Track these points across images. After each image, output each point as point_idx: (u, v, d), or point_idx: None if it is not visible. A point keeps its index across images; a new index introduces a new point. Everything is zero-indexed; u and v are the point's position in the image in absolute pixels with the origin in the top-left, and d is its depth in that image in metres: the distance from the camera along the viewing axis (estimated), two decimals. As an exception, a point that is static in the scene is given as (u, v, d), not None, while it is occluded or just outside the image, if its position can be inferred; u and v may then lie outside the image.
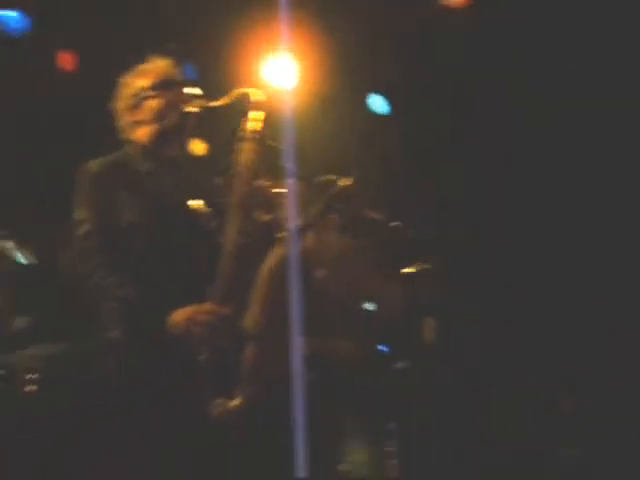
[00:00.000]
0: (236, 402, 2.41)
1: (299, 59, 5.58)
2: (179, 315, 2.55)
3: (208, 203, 2.78)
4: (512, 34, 5.31)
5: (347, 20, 5.45)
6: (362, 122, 5.86)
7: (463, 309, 4.86)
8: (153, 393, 2.54)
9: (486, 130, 5.44)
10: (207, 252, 2.64)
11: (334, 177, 3.30)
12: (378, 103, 6.18)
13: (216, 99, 2.80)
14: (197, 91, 2.85)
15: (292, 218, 2.63)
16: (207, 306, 2.56)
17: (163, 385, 2.53)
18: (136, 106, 2.86)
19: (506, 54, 5.39)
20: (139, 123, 2.87)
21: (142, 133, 2.87)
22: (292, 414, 2.29)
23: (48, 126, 5.27)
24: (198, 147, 3.13)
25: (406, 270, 3.44)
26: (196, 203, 2.77)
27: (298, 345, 2.27)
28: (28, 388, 3.82)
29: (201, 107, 2.81)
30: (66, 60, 6.13)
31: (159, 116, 2.84)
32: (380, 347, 4.51)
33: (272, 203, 2.67)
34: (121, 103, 2.90)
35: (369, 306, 4.33)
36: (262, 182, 2.67)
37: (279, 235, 2.61)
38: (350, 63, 5.66)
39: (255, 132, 2.68)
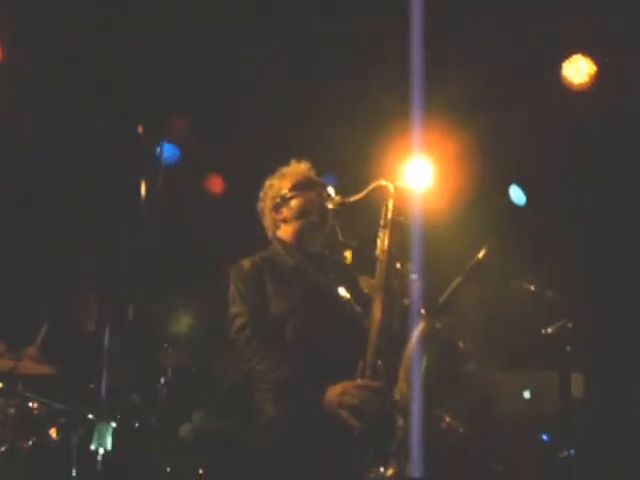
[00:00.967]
0: (390, 472, 2.47)
1: (435, 161, 5.78)
2: (333, 392, 2.67)
3: (353, 291, 2.93)
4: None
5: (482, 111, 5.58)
6: (503, 213, 5.93)
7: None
8: (312, 469, 2.66)
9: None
10: (354, 335, 2.78)
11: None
12: (517, 194, 6.25)
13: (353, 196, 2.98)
14: (332, 191, 3.07)
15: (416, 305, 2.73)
16: (359, 382, 2.67)
17: (321, 460, 2.65)
18: (280, 205, 3.10)
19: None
20: (283, 221, 3.11)
21: (286, 230, 3.10)
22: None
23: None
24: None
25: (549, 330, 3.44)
26: (342, 291, 2.91)
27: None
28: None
29: (340, 203, 3.01)
30: (215, 184, 6.62)
31: (301, 214, 3.07)
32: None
33: (409, 286, 2.78)
34: (266, 203, 3.16)
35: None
36: (400, 267, 2.80)
37: (423, 312, 2.70)
38: (489, 157, 5.78)
39: (394, 220, 2.84)
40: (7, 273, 5.41)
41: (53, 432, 4.31)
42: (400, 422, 2.51)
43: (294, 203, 3.08)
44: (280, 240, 3.10)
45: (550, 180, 5.90)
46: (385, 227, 2.83)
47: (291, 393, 2.74)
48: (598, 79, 5.56)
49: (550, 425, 4.81)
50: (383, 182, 2.89)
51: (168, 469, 4.38)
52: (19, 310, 5.11)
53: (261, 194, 3.19)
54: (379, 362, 2.64)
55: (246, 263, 3.01)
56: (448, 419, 3.49)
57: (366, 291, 2.88)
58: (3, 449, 4.15)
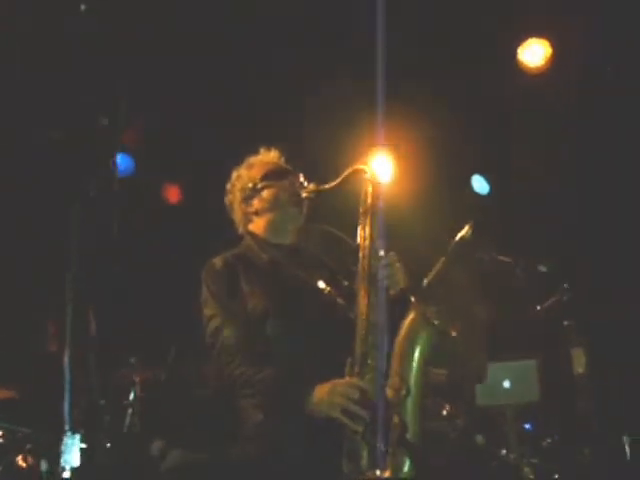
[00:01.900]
0: (386, 475, 2.30)
1: (397, 153, 5.67)
2: (322, 390, 2.50)
3: (333, 282, 2.76)
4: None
5: (442, 106, 5.50)
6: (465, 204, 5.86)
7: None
8: (303, 474, 2.48)
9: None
10: (340, 329, 2.60)
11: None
12: (480, 184, 6.19)
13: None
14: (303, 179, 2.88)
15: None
16: (348, 379, 2.49)
17: (313, 464, 2.47)
18: (251, 197, 2.89)
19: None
20: (255, 213, 2.90)
21: (259, 223, 2.90)
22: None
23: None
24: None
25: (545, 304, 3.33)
26: (321, 284, 2.74)
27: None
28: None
29: (315, 191, 2.81)
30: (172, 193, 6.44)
31: (275, 205, 2.86)
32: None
33: (395, 273, 2.62)
34: (235, 195, 2.94)
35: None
36: (384, 254, 2.63)
37: (412, 299, 2.53)
38: (450, 148, 5.70)
39: (374, 206, 2.66)
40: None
41: (20, 460, 4.07)
42: (395, 420, 2.33)
43: (266, 194, 2.87)
44: (252, 234, 2.90)
45: (513, 168, 5.85)
46: (366, 213, 2.65)
47: (277, 394, 2.54)
48: (555, 61, 5.51)
49: (532, 414, 4.72)
50: (360, 166, 2.71)
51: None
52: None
53: (228, 186, 2.96)
54: (368, 358, 2.46)
55: (217, 261, 2.80)
56: (448, 407, 3.33)
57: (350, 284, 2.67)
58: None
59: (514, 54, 5.60)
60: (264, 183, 2.88)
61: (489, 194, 6.20)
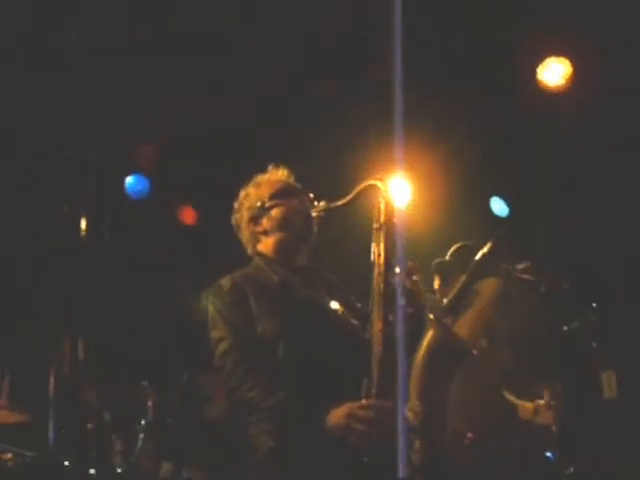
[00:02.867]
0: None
1: (415, 177, 5.60)
2: (337, 414, 2.39)
3: (346, 303, 2.67)
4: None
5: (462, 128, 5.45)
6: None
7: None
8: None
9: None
10: (355, 350, 2.51)
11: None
12: (499, 205, 6.10)
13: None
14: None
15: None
16: (366, 402, 2.39)
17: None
18: (259, 216, 2.81)
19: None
20: (264, 233, 2.81)
21: (268, 243, 2.81)
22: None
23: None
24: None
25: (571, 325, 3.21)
26: (334, 305, 2.65)
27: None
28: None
29: (326, 210, 2.73)
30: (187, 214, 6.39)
31: (284, 224, 2.78)
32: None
33: (410, 291, 2.52)
34: (243, 215, 2.85)
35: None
36: (399, 272, 2.54)
37: (430, 318, 2.43)
38: (468, 170, 5.64)
39: (388, 222, 2.58)
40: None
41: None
42: (417, 445, 2.22)
43: (275, 213, 2.78)
44: (261, 255, 2.80)
45: (533, 189, 5.76)
46: (379, 230, 2.56)
47: (290, 419, 2.44)
48: (575, 81, 5.44)
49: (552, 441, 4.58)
50: (373, 181, 2.63)
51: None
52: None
53: (236, 205, 2.87)
54: (386, 379, 2.35)
55: (225, 282, 2.70)
56: (470, 436, 3.18)
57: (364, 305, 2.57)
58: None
59: (534, 73, 5.54)
60: (273, 202, 2.80)
61: (508, 216, 6.12)
